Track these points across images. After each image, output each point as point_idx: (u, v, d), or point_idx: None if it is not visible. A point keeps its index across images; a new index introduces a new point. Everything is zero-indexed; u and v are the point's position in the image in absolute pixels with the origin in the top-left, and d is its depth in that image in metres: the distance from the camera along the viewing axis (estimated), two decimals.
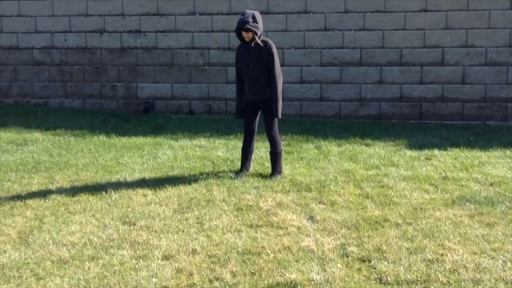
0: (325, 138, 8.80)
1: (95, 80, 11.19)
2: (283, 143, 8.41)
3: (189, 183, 6.63)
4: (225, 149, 8.21)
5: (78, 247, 4.94)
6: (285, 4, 10.40)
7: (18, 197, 6.22)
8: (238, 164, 7.18)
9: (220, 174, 6.99)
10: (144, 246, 4.95)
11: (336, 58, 10.37)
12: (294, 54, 10.46)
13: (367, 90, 10.35)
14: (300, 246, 4.91)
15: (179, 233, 5.25)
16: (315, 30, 10.38)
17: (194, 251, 4.83)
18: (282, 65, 10.35)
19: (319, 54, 10.41)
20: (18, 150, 8.26)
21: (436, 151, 8.05)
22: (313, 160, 7.62)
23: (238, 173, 6.96)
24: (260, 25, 6.68)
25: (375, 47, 10.26)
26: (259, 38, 6.71)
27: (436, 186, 6.52)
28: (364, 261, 4.65)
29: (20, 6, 11.26)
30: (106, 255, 4.78)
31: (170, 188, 6.49)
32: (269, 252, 4.81)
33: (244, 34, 6.69)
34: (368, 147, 8.33)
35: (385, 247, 4.86)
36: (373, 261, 4.62)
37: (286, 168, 7.18)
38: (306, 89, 10.50)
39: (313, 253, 4.79)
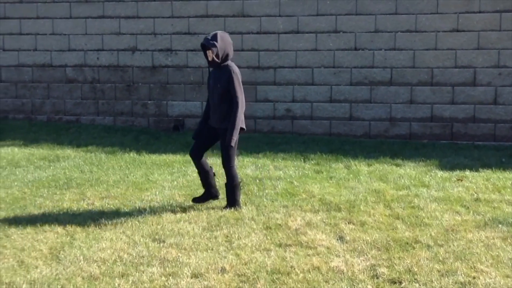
0: (355, 158, 8.75)
1: (127, 97, 11.33)
2: (312, 162, 8.41)
3: (218, 201, 6.64)
4: (254, 167, 8.22)
5: (108, 264, 4.97)
6: (315, 24, 10.43)
7: (50, 213, 6.30)
8: (267, 183, 7.18)
9: (249, 192, 6.99)
10: (173, 264, 4.96)
11: (366, 78, 10.35)
12: (323, 73, 10.46)
13: (398, 110, 10.30)
14: (330, 267, 4.88)
15: (208, 251, 5.25)
16: (345, 49, 10.38)
17: (223, 270, 4.83)
18: (311, 84, 10.47)
19: (349, 74, 10.40)
20: (50, 167, 8.37)
21: (467, 172, 7.96)
22: (343, 180, 7.58)
23: (196, 198, 6.61)
24: (223, 45, 6.18)
25: (406, 67, 10.21)
26: (221, 60, 6.24)
27: (468, 207, 6.44)
28: (395, 282, 4.59)
29: (54, 24, 11.48)
30: (136, 272, 4.80)
31: (199, 205, 6.51)
32: (298, 272, 4.78)
33: (208, 53, 6.25)
34: (398, 167, 8.26)
35: (416, 269, 4.80)
36: (404, 283, 4.57)
37: (315, 187, 7.16)
38: (335, 108, 10.49)
39: (343, 273, 4.75)
